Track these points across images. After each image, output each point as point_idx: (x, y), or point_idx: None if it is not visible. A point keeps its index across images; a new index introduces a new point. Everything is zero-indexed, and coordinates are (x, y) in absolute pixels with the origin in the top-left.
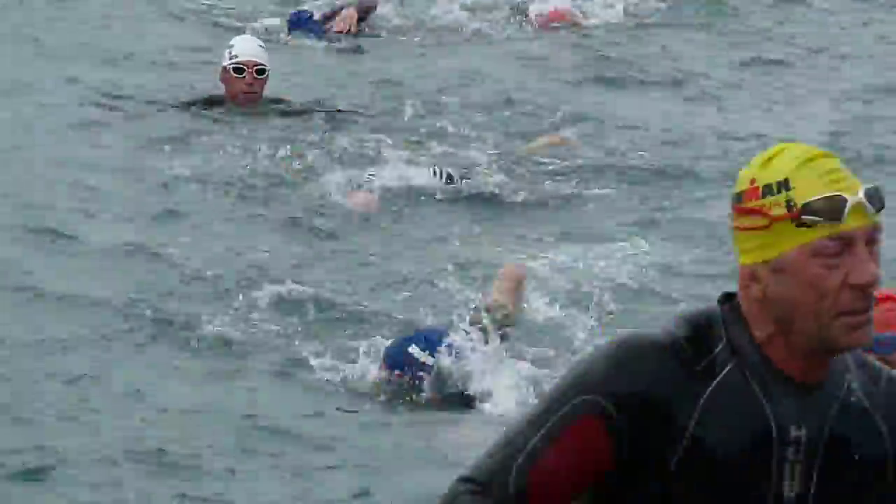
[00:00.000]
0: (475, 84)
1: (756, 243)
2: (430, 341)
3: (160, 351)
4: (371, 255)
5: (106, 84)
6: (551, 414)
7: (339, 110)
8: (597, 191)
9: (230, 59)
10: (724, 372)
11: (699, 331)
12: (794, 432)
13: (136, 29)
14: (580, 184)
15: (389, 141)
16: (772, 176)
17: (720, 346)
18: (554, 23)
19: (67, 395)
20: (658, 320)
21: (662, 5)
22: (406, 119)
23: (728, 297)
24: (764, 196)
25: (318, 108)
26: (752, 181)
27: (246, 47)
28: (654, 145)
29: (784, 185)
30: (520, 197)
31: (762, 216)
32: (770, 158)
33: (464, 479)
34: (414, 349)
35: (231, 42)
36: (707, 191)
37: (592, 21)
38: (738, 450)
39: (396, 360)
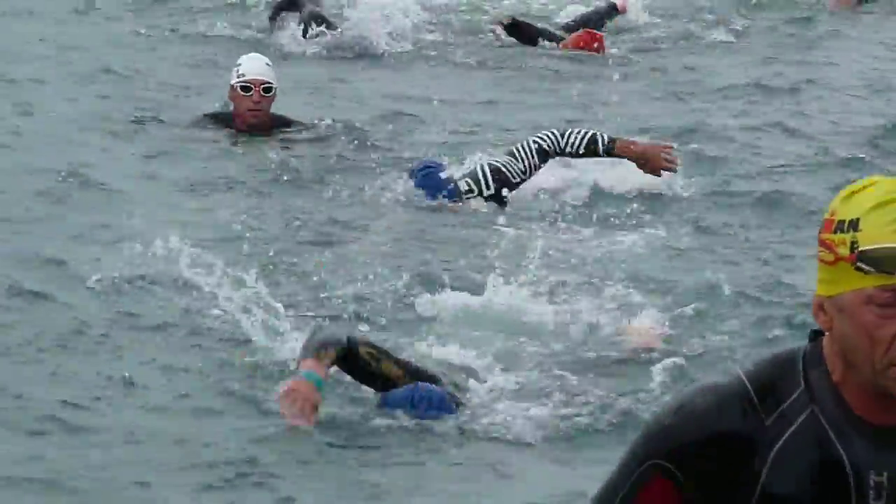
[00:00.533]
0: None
1: (824, 276)
2: (420, 404)
3: (164, 349)
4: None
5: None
6: (626, 480)
7: (355, 126)
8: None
9: (237, 77)
10: (798, 420)
11: (774, 377)
12: (874, 478)
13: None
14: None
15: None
16: (847, 212)
17: (797, 393)
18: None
19: (66, 394)
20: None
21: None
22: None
23: (817, 334)
24: (835, 232)
25: (327, 128)
26: (833, 213)
27: (253, 66)
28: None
29: (853, 225)
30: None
31: (830, 251)
32: (854, 192)
33: None
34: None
35: (239, 61)
36: (731, 184)
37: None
38: (811, 500)
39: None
